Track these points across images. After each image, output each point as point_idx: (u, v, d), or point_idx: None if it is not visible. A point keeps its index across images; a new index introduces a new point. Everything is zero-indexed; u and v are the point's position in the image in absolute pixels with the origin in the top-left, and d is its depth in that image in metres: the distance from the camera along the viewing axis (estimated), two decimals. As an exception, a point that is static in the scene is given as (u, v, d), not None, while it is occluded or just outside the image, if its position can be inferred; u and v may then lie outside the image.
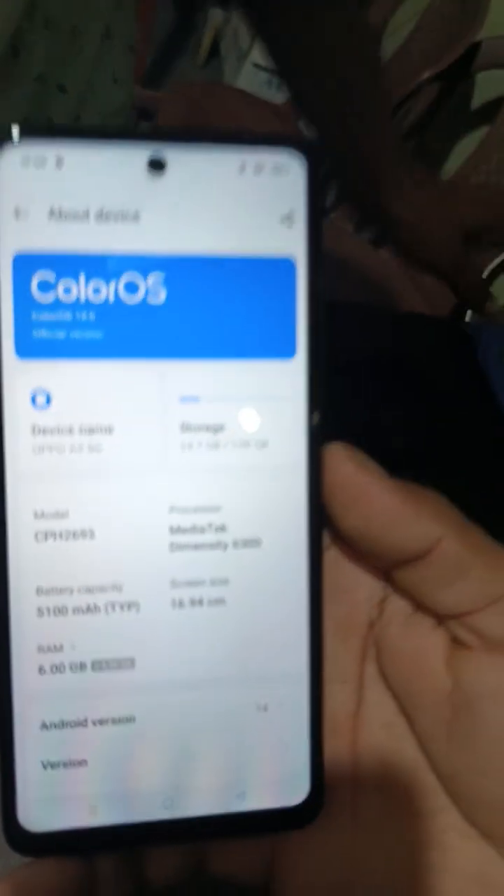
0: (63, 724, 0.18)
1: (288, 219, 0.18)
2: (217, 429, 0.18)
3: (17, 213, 0.17)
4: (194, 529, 0.18)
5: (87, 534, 0.18)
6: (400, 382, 0.57)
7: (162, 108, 1.06)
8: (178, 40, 1.74)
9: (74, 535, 0.18)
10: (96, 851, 0.18)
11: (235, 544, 0.19)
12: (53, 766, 0.18)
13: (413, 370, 0.58)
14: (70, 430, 0.18)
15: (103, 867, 0.18)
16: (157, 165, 0.18)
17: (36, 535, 0.18)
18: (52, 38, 0.44)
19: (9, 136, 0.17)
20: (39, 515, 0.18)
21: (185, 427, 0.18)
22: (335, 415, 0.19)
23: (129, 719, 0.18)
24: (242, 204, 0.18)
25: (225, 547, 0.18)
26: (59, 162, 0.17)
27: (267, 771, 0.19)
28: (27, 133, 0.17)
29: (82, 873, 0.18)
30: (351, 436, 0.19)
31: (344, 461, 0.19)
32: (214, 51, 1.75)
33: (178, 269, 0.18)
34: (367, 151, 0.47)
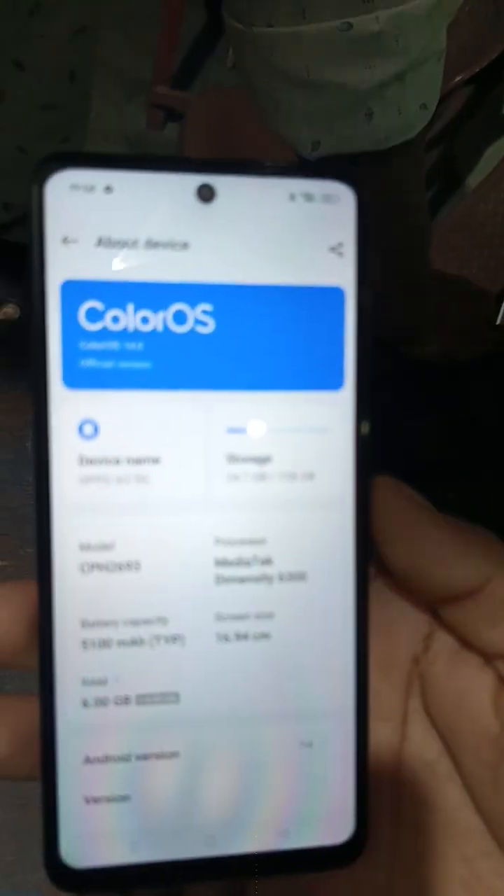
0: (106, 759, 0.17)
1: (338, 248, 0.18)
2: (263, 460, 0.18)
3: (65, 240, 0.17)
4: (240, 562, 0.18)
5: (132, 566, 0.18)
6: (434, 392, 0.57)
7: (192, 111, 1.06)
8: (208, 41, 1.74)
9: (120, 567, 0.17)
10: (136, 888, 0.18)
11: (281, 577, 0.18)
12: (96, 801, 0.17)
13: (448, 382, 0.57)
14: (117, 461, 0.17)
15: None
16: (206, 194, 0.17)
17: (81, 567, 0.17)
18: (9, 13, 0.43)
19: (57, 164, 0.17)
20: (85, 547, 0.17)
21: (232, 458, 0.18)
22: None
23: (174, 754, 0.18)
24: (292, 233, 0.18)
25: (270, 580, 0.18)
26: (108, 189, 0.17)
27: (311, 809, 0.18)
28: (76, 160, 0.17)
29: None
30: (384, 445, 0.19)
31: (392, 494, 0.19)
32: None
33: (226, 298, 0.18)
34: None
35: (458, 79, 0.98)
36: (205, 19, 1.74)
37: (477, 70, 0.97)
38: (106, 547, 0.17)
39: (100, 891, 0.18)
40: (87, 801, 0.17)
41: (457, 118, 1.09)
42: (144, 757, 0.18)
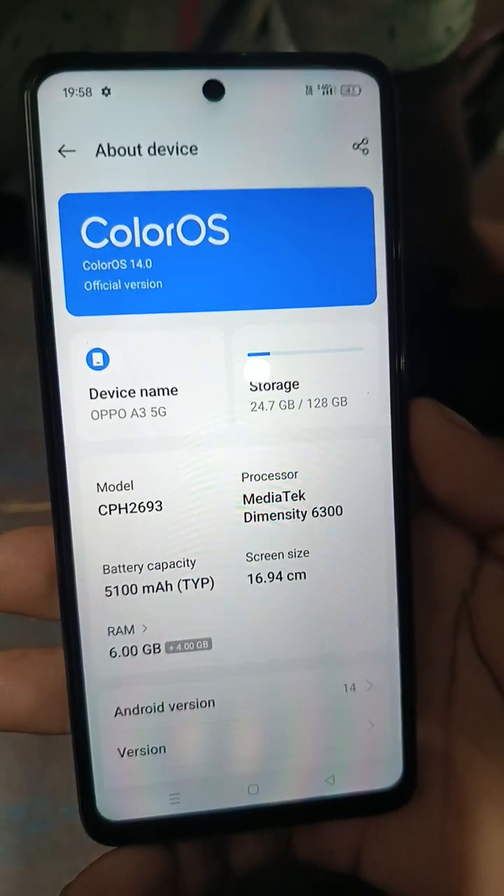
0: (139, 710, 0.17)
1: (362, 144, 0.16)
2: (290, 386, 0.17)
3: (62, 150, 0.16)
4: (269, 498, 0.17)
5: (153, 506, 0.16)
6: (482, 338, 0.56)
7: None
8: (228, 16, 1.72)
9: (140, 507, 0.16)
10: (178, 839, 0.17)
11: (315, 513, 0.17)
12: (130, 753, 0.17)
13: (496, 327, 0.56)
14: (131, 393, 0.16)
15: (186, 853, 0.17)
16: (214, 91, 0.16)
17: (100, 509, 0.16)
18: None
19: (49, 67, 0.15)
20: (102, 488, 0.16)
21: (256, 385, 0.17)
22: (417, 368, 0.18)
23: (209, 703, 0.17)
24: (311, 130, 0.16)
25: (303, 516, 0.17)
26: (106, 92, 0.15)
27: (357, 754, 0.17)
28: (69, 62, 0.15)
29: (164, 861, 0.17)
30: (432, 392, 0.18)
31: (433, 417, 0.17)
32: (264, 25, 1.72)
33: (241, 205, 0.16)
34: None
35: (487, 36, 0.95)
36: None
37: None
38: (124, 487, 0.16)
39: (139, 843, 0.17)
40: (122, 753, 0.17)
41: (488, 77, 1.05)
42: (179, 707, 0.17)
